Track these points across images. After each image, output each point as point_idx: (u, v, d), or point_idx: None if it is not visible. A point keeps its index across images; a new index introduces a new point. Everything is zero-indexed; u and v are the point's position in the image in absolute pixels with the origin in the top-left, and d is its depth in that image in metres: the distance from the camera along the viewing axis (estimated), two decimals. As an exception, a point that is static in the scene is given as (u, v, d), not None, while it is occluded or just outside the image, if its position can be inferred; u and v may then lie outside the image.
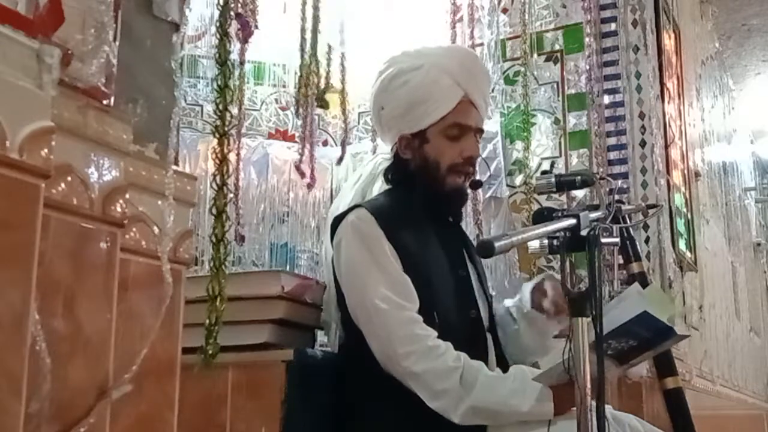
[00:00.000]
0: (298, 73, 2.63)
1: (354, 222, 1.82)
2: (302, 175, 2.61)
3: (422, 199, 1.91)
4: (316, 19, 2.65)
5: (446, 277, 1.87)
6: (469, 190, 2.01)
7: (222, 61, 1.46)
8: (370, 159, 2.14)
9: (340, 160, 2.86)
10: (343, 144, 2.84)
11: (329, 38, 2.79)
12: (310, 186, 2.69)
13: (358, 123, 3.14)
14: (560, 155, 2.85)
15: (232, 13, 1.56)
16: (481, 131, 1.96)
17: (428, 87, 1.87)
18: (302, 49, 2.62)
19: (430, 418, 1.67)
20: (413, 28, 2.93)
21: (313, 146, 2.70)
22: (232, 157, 1.55)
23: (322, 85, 2.73)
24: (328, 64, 2.79)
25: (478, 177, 2.04)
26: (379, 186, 2.01)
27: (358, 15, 2.93)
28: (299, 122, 2.69)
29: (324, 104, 2.81)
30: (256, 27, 2.31)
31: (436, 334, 1.72)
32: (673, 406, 2.03)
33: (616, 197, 1.55)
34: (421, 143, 1.90)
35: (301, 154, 2.61)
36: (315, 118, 2.84)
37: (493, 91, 2.94)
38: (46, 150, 0.93)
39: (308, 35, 2.63)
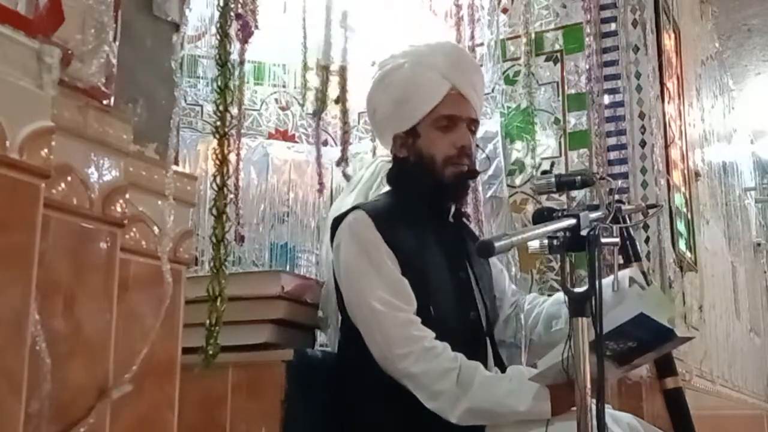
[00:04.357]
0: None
1: (352, 224, 1.83)
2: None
3: (423, 194, 1.91)
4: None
5: (445, 278, 1.88)
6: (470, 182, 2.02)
7: (222, 61, 1.46)
8: (371, 162, 2.15)
9: (339, 162, 2.87)
10: (345, 145, 2.85)
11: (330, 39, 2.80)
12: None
13: (358, 123, 3.13)
14: (560, 155, 2.85)
15: (232, 13, 1.56)
16: (475, 122, 1.96)
17: (412, 83, 1.90)
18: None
19: (429, 418, 1.67)
20: (414, 27, 2.93)
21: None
22: (232, 157, 1.55)
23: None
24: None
25: (476, 166, 2.03)
26: (382, 190, 2.03)
27: (358, 15, 2.93)
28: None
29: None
30: (256, 27, 2.32)
31: (433, 335, 1.72)
32: (673, 406, 2.02)
33: (616, 197, 1.54)
34: (414, 139, 1.91)
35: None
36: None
37: (492, 90, 2.94)
38: (46, 150, 0.93)
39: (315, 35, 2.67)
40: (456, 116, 1.90)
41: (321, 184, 2.83)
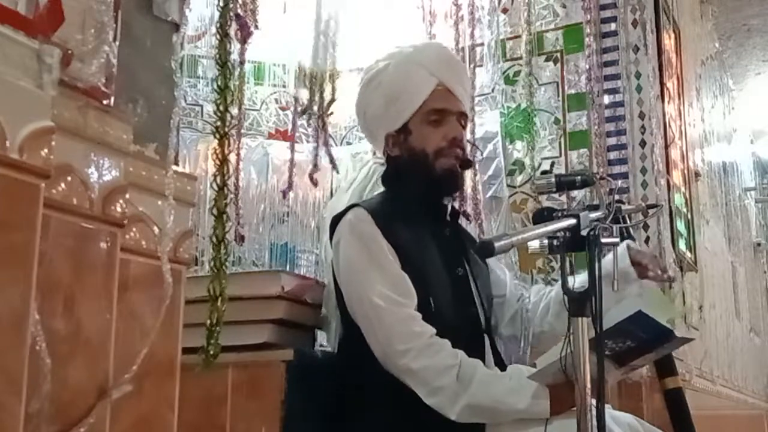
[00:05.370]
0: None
1: (351, 221, 1.84)
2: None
3: (418, 189, 1.92)
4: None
5: (443, 275, 1.88)
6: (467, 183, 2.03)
7: (222, 62, 1.46)
8: (365, 163, 2.17)
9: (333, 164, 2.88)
10: (326, 145, 2.85)
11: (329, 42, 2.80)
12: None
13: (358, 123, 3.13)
14: (560, 155, 2.85)
15: (231, 13, 1.56)
16: (464, 115, 1.99)
17: (401, 81, 1.94)
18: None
19: (429, 416, 1.67)
20: (413, 29, 2.93)
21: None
22: (232, 157, 1.55)
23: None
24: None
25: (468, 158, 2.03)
26: (375, 192, 2.04)
27: (354, 16, 2.93)
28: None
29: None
30: (256, 27, 2.32)
31: (434, 331, 1.73)
32: (673, 406, 2.02)
33: (616, 197, 1.54)
34: (405, 137, 1.94)
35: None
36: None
37: (492, 90, 2.94)
38: (46, 150, 0.93)
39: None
40: (445, 109, 1.93)
41: (290, 182, 2.84)
